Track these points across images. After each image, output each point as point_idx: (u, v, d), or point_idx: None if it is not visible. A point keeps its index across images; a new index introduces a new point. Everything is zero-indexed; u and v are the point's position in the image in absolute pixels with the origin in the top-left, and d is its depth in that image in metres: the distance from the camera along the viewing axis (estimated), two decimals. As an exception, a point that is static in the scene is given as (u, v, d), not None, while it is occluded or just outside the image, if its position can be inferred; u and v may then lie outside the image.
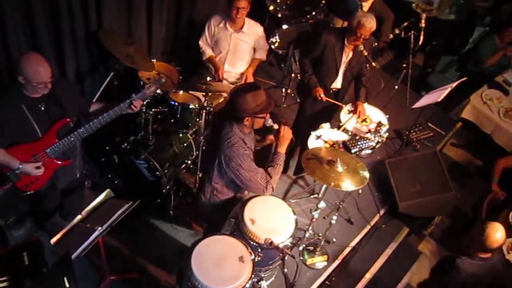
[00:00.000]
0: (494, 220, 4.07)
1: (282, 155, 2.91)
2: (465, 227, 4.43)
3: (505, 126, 4.96)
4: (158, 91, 3.14)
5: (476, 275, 2.96)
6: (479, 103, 5.11)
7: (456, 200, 4.47)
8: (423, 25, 4.75)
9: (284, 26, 4.96)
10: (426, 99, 4.19)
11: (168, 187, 3.77)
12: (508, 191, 4.50)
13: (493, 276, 3.01)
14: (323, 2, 5.26)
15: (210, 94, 3.60)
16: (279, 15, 5.14)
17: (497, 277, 3.03)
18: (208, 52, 4.16)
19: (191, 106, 3.66)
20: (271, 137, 2.99)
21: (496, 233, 2.89)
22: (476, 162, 5.35)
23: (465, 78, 4.35)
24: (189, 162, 4.00)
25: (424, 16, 4.79)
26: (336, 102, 3.93)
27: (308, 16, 5.17)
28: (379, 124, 3.80)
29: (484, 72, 5.42)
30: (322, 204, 3.40)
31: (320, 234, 3.90)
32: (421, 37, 4.76)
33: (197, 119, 3.74)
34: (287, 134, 2.90)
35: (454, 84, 4.25)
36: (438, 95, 4.23)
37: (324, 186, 3.46)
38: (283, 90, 5.24)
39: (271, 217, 2.99)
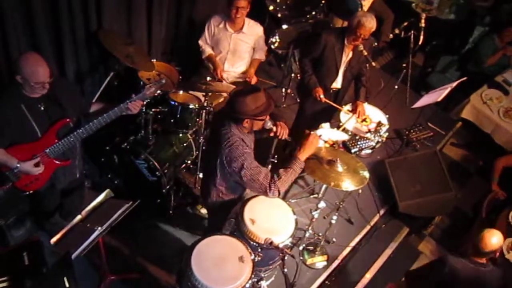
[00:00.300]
0: (494, 220, 4.09)
1: (300, 161, 2.75)
2: (465, 227, 4.43)
3: (505, 125, 4.95)
4: (158, 91, 3.14)
5: (458, 274, 2.90)
6: (479, 103, 5.10)
7: (456, 200, 4.47)
8: (423, 25, 4.75)
9: (284, 26, 4.96)
10: (426, 99, 4.19)
11: (168, 187, 3.78)
12: (508, 191, 4.49)
13: (475, 283, 2.93)
14: (323, 2, 5.26)
15: (210, 94, 3.60)
16: (279, 15, 5.14)
17: (479, 285, 2.96)
18: (208, 50, 4.16)
19: (191, 106, 3.66)
20: (272, 125, 2.87)
21: (492, 237, 2.85)
22: (476, 162, 5.34)
23: (465, 78, 4.36)
24: (189, 162, 4.00)
25: (424, 16, 4.79)
26: (336, 105, 3.92)
27: (308, 16, 5.18)
28: (379, 124, 3.79)
29: (484, 72, 5.42)
30: (322, 204, 3.40)
31: (320, 234, 3.90)
32: (421, 37, 4.77)
33: (197, 119, 3.75)
34: (315, 141, 2.80)
35: (454, 84, 4.25)
36: (438, 95, 4.23)
37: (324, 186, 3.46)
38: (283, 90, 5.24)
39: (271, 217, 2.99)
